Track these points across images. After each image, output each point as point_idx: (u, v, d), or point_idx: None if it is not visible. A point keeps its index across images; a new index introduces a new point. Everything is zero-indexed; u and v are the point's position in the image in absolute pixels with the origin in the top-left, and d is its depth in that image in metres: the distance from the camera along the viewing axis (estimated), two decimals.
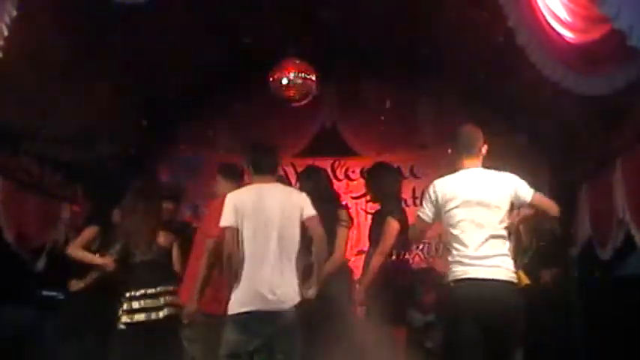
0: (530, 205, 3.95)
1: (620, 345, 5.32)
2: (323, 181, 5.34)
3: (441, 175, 4.09)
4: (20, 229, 5.61)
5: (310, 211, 4.23)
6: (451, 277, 3.88)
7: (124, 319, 4.94)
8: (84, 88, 5.62)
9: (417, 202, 7.24)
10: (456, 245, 3.91)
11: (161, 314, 4.95)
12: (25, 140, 5.57)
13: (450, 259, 3.95)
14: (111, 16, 4.97)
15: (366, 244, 5.72)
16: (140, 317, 4.91)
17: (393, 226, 5.14)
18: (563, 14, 3.73)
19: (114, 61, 5.72)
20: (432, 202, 4.03)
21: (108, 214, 5.51)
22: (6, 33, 3.90)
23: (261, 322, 4.06)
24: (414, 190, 7.26)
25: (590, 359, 5.76)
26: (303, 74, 6.36)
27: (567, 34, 3.76)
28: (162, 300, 4.98)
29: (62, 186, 6.25)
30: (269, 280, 4.09)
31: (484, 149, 4.11)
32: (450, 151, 4.17)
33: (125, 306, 4.95)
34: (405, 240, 5.40)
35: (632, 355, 5.18)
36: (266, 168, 4.35)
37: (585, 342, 5.84)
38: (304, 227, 4.20)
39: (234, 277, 4.12)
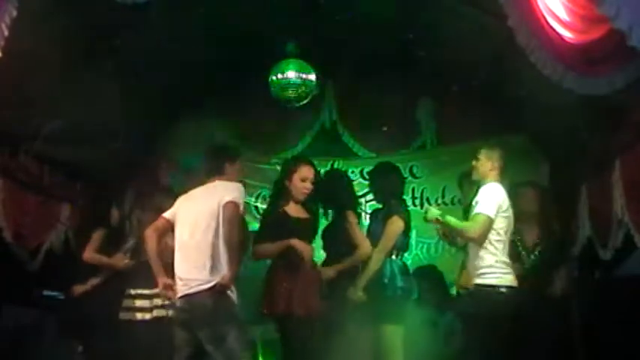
0: None
1: (620, 345, 5.32)
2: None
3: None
4: (20, 229, 5.61)
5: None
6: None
7: (121, 315, 4.97)
8: (84, 88, 5.62)
9: (417, 202, 7.24)
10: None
11: (147, 316, 4.97)
12: (25, 140, 5.57)
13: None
14: (110, 16, 4.97)
15: None
16: (133, 316, 4.94)
17: (397, 224, 5.18)
18: (563, 14, 3.73)
19: (113, 60, 5.72)
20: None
21: (107, 214, 5.53)
22: (6, 33, 3.89)
23: None
24: (413, 191, 7.26)
25: (589, 359, 5.76)
26: (303, 74, 6.36)
27: (567, 34, 3.76)
28: (154, 302, 4.99)
29: (62, 186, 6.24)
30: None
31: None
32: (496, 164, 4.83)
33: (125, 303, 4.98)
34: (406, 240, 5.42)
35: (632, 355, 5.18)
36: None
37: (585, 342, 5.84)
38: None
39: None
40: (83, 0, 4.87)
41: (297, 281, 4.72)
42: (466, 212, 5.28)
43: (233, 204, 4.29)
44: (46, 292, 6.11)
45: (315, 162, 7.51)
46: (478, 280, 4.65)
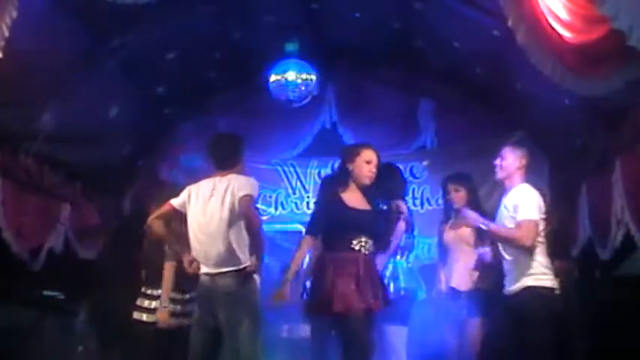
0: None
1: (619, 345, 5.32)
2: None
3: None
4: (20, 229, 5.61)
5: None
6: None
7: (135, 315, 4.95)
8: (84, 88, 5.63)
9: (417, 202, 7.24)
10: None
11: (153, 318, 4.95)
12: (25, 140, 5.57)
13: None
14: (110, 16, 4.97)
15: None
16: (149, 318, 4.91)
17: (401, 224, 5.16)
18: (563, 14, 3.72)
19: (114, 60, 5.72)
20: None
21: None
22: (7, 34, 3.89)
23: None
24: (413, 191, 7.25)
25: (590, 359, 5.76)
26: (303, 74, 6.37)
27: (567, 35, 3.75)
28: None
29: (62, 186, 6.24)
30: None
31: None
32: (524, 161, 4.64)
33: (139, 302, 4.95)
34: (411, 240, 5.41)
35: (632, 355, 5.18)
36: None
37: (585, 342, 5.84)
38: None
39: None
40: (83, 0, 4.86)
41: (356, 277, 4.45)
42: (447, 214, 5.30)
43: (249, 197, 4.34)
44: (46, 292, 6.12)
45: (315, 162, 7.63)
46: (531, 283, 4.42)
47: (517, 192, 4.59)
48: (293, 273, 4.50)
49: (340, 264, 4.46)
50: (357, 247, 4.48)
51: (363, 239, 4.50)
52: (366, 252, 4.50)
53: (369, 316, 4.45)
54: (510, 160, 4.67)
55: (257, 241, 4.38)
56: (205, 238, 4.33)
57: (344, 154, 4.83)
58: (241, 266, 4.27)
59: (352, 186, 4.66)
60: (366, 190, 4.66)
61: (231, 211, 4.29)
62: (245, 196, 4.32)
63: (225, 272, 4.27)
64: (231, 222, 4.28)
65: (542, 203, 4.57)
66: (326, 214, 4.63)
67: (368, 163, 4.64)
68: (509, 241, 4.54)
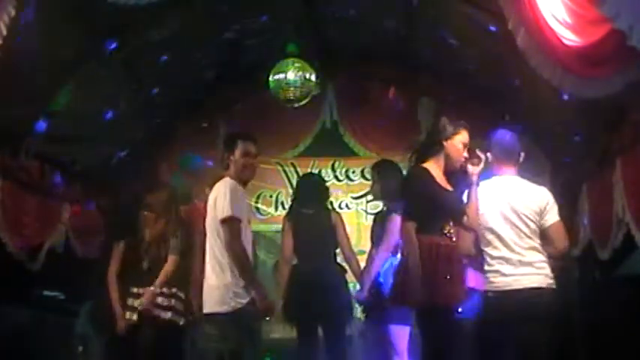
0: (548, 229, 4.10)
1: (620, 345, 5.32)
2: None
3: None
4: (20, 229, 5.61)
5: None
6: None
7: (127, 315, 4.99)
8: (84, 88, 5.63)
9: None
10: None
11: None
12: (25, 140, 5.57)
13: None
14: (110, 16, 4.97)
15: (367, 245, 5.73)
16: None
17: (397, 222, 5.16)
18: (564, 16, 3.72)
19: (114, 60, 5.72)
20: None
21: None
22: (5, 32, 3.88)
23: None
24: None
25: (590, 359, 5.76)
26: (303, 74, 6.36)
27: (567, 36, 3.75)
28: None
29: (62, 186, 6.24)
30: None
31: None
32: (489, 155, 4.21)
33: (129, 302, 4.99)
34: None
35: (632, 355, 5.18)
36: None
37: (585, 342, 5.84)
38: None
39: None
40: (84, 0, 4.86)
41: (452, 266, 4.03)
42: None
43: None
44: (46, 292, 6.11)
45: (315, 162, 7.64)
46: (550, 281, 4.16)
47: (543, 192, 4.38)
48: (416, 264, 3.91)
49: (436, 252, 3.97)
50: (448, 233, 4.04)
51: (451, 224, 4.06)
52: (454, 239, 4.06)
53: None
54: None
55: None
56: None
57: (439, 128, 4.20)
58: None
59: (439, 165, 4.14)
60: (450, 174, 4.17)
61: None
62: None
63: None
64: None
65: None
66: (423, 196, 4.05)
67: (464, 145, 4.18)
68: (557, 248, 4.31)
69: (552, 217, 4.17)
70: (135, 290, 5.07)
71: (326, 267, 5.39)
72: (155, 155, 7.34)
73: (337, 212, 6.23)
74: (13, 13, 3.88)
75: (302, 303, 5.27)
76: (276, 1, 6.13)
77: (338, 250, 5.59)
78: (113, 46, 5.58)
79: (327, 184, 6.16)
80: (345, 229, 5.63)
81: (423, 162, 4.12)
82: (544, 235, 4.15)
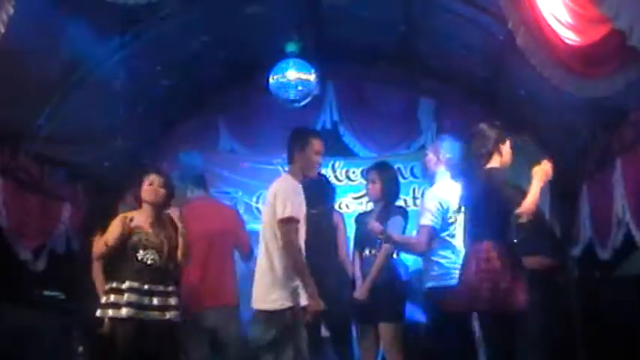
0: None
1: (620, 345, 5.32)
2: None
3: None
4: (20, 229, 5.61)
5: None
6: None
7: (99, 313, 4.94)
8: (84, 88, 5.63)
9: (417, 202, 7.24)
10: None
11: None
12: (25, 140, 5.57)
13: None
14: (110, 15, 4.97)
15: None
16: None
17: (398, 223, 5.17)
18: (564, 16, 3.72)
19: (114, 60, 5.72)
20: None
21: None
22: (2, 30, 3.88)
23: None
24: (414, 191, 7.24)
25: (590, 359, 5.76)
26: (303, 74, 6.36)
27: (568, 35, 3.75)
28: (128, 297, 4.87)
29: (62, 186, 6.24)
30: None
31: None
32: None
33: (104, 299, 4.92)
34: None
35: (633, 355, 5.18)
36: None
37: (585, 342, 5.84)
38: None
39: None
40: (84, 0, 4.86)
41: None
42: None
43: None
44: (46, 292, 6.11)
45: None
46: None
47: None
48: None
49: (479, 257, 4.09)
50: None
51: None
52: None
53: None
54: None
55: None
56: None
57: (493, 134, 4.34)
58: None
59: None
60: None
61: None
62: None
63: None
64: None
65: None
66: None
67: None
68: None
69: None
70: (115, 285, 4.88)
71: (330, 266, 5.39)
72: (155, 155, 7.33)
73: (339, 212, 6.24)
74: (10, 10, 3.87)
75: None
76: (276, 1, 6.13)
77: None
78: (113, 45, 5.58)
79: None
80: (343, 230, 5.64)
81: None
82: None
